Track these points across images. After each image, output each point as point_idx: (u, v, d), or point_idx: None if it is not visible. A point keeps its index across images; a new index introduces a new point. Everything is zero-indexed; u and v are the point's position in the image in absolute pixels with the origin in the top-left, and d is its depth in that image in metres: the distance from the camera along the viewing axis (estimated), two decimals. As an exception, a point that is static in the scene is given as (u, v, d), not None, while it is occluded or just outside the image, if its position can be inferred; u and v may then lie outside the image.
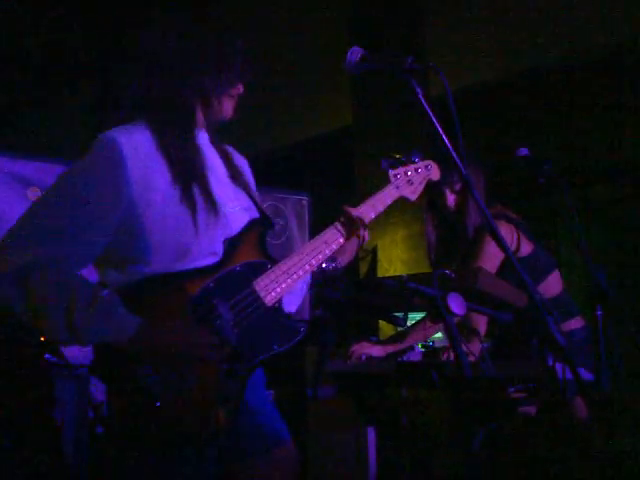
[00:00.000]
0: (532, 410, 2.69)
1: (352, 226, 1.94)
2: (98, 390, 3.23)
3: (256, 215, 1.87)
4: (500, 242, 1.74)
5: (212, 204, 1.73)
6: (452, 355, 2.46)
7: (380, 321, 4.52)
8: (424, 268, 3.50)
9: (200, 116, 1.82)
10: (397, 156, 2.12)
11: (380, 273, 5.03)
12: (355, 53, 1.84)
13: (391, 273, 4.96)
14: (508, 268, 2.73)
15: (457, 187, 2.93)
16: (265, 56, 5.95)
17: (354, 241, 1.97)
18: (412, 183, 2.11)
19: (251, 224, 1.82)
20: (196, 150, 1.80)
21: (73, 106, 7.66)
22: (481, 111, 5.21)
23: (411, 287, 1.87)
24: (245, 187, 1.91)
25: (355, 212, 1.95)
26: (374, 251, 5.07)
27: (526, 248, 2.85)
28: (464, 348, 1.87)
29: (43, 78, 7.16)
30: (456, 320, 1.89)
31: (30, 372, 3.44)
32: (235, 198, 1.84)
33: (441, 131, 1.76)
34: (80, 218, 1.63)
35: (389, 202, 2.05)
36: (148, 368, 1.60)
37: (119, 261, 1.70)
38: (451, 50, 5.19)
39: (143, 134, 1.73)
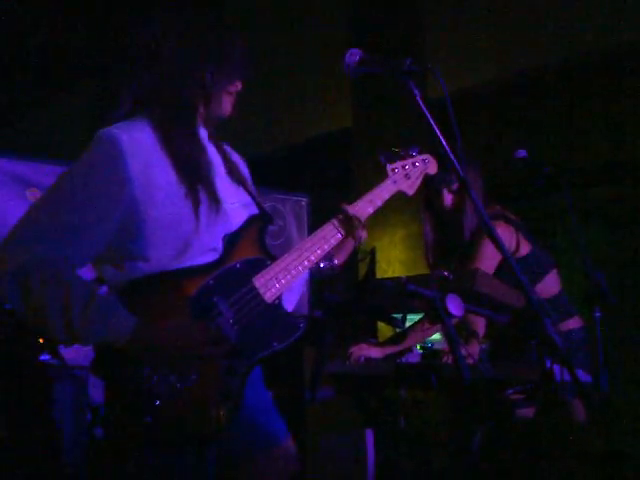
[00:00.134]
0: (530, 412, 2.69)
1: (349, 223, 1.94)
2: (96, 392, 3.23)
3: (255, 211, 1.87)
4: (497, 243, 1.75)
5: (215, 201, 1.73)
6: (451, 357, 2.46)
7: (379, 322, 4.52)
8: (423, 269, 3.49)
9: (200, 112, 1.81)
10: (395, 150, 2.11)
11: (379, 274, 5.03)
12: (353, 55, 1.84)
13: (390, 274, 4.96)
14: (506, 269, 2.73)
15: (455, 187, 2.92)
16: (265, 56, 5.97)
17: (351, 239, 1.97)
18: (409, 177, 2.10)
19: (250, 220, 1.82)
20: (199, 146, 1.80)
21: (73, 106, 7.66)
22: (481, 111, 5.21)
23: (409, 289, 1.87)
24: (243, 183, 1.91)
25: (351, 210, 1.95)
26: (373, 252, 5.07)
27: (525, 248, 2.85)
28: (462, 350, 1.86)
29: (43, 78, 7.16)
30: (454, 321, 1.88)
31: (29, 373, 3.44)
32: (234, 194, 1.85)
33: (439, 132, 1.76)
34: (81, 217, 1.62)
35: (387, 197, 2.04)
36: (147, 367, 1.60)
37: (117, 258, 1.69)
38: (451, 50, 5.18)
39: (143, 130, 1.72)
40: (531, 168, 2.65)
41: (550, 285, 2.88)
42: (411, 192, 2.12)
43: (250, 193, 1.91)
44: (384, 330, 4.41)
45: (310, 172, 5.95)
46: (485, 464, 2.54)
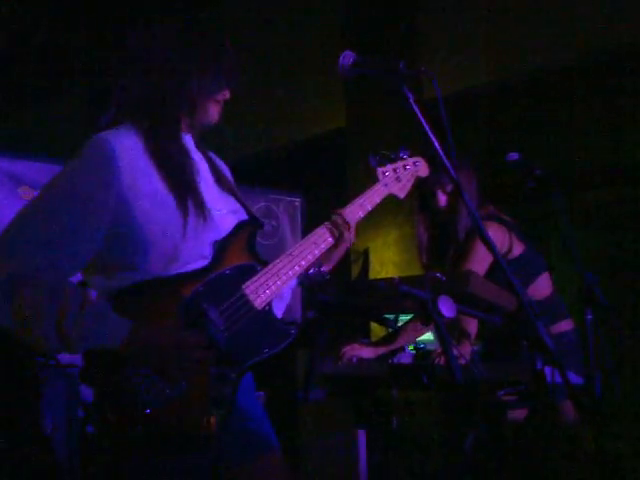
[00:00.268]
0: (522, 413, 2.70)
1: (340, 228, 1.94)
2: (88, 390, 3.22)
3: (244, 217, 1.86)
4: (489, 245, 1.75)
5: (202, 208, 1.72)
6: (443, 358, 2.46)
7: (371, 323, 4.53)
8: (416, 270, 3.50)
9: (186, 120, 1.81)
10: (385, 153, 2.12)
11: (372, 275, 5.04)
12: (347, 57, 1.84)
13: (383, 275, 4.96)
14: (498, 270, 2.73)
15: (448, 188, 2.93)
16: (260, 57, 5.97)
17: (341, 244, 1.97)
18: (400, 180, 2.10)
19: (239, 226, 1.81)
20: (185, 153, 1.79)
21: (71, 106, 7.64)
22: (480, 112, 5.20)
23: (402, 289, 1.87)
24: (231, 190, 1.90)
25: (342, 214, 1.95)
26: (366, 253, 5.07)
27: (518, 249, 2.86)
28: (454, 350, 1.87)
29: (43, 78, 7.15)
30: (447, 322, 1.89)
31: (21, 371, 3.44)
32: (222, 201, 1.84)
33: (431, 134, 1.77)
34: (72, 222, 1.61)
35: (378, 200, 2.04)
36: (137, 375, 1.59)
37: (107, 267, 1.68)
38: (450, 51, 5.18)
39: (130, 137, 1.72)
40: (523, 170, 2.66)
41: (542, 287, 2.89)
42: (402, 195, 2.12)
43: (238, 199, 1.90)
44: (377, 330, 4.41)
45: (304, 172, 5.94)
46: (477, 464, 2.54)
